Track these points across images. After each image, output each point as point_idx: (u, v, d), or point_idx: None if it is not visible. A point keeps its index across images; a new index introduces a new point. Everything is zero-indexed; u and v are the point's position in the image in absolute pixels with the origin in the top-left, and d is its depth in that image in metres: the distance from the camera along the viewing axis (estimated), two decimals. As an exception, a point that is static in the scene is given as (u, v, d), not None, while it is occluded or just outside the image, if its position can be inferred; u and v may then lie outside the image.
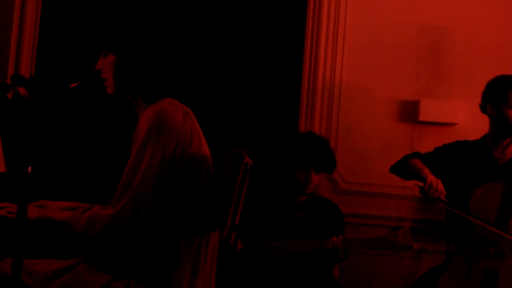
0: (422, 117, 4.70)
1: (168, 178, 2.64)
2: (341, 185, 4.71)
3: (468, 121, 4.58)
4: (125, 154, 2.74)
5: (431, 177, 3.95)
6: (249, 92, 4.85)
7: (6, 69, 4.62)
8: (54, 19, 4.78)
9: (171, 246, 2.66)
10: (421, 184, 3.97)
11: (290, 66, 4.85)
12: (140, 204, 2.59)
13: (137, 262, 2.65)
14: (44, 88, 2.46)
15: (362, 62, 4.77)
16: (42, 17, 4.74)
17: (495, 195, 3.94)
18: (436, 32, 4.79)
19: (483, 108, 4.18)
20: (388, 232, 3.94)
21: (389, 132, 4.62)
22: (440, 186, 3.94)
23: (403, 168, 4.21)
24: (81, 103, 4.68)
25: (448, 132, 4.62)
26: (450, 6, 4.80)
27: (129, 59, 2.78)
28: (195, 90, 4.69)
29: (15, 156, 3.35)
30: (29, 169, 2.39)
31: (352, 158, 4.68)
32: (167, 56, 2.84)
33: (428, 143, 4.37)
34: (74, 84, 2.79)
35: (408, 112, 4.75)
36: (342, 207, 4.30)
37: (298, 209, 4.20)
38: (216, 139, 4.08)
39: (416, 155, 4.24)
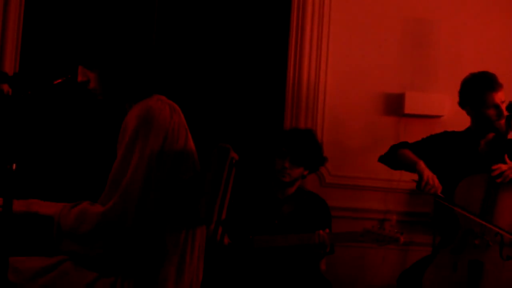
0: (407, 110, 4.72)
1: (156, 174, 2.64)
2: (328, 179, 4.72)
3: (454, 113, 4.59)
4: (112, 151, 2.73)
5: (427, 174, 3.97)
6: (235, 89, 4.84)
7: (-11, 66, 4.60)
8: (38, 15, 4.75)
9: (157, 241, 2.66)
10: (417, 179, 3.98)
11: (275, 62, 4.85)
12: (130, 201, 2.59)
13: (124, 258, 2.64)
14: (28, 84, 2.45)
15: (347, 56, 4.78)
16: (25, 13, 4.71)
17: (479, 187, 3.97)
18: (420, 25, 4.81)
19: (461, 106, 4.23)
20: (375, 225, 3.96)
21: (374, 125, 4.63)
22: (437, 181, 3.96)
23: (393, 158, 4.22)
24: (66, 99, 4.66)
25: (434, 125, 4.64)
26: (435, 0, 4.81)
27: (115, 71, 2.75)
28: (183, 88, 4.68)
29: (-1, 154, 3.34)
30: (14, 166, 2.38)
31: (337, 151, 4.69)
32: (152, 58, 2.83)
33: (414, 135, 4.38)
34: (58, 81, 2.77)
35: (393, 105, 4.77)
36: (328, 201, 4.31)
37: (284, 203, 4.21)
38: (203, 137, 4.08)
39: (405, 145, 4.26)
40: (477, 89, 4.13)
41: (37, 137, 4.63)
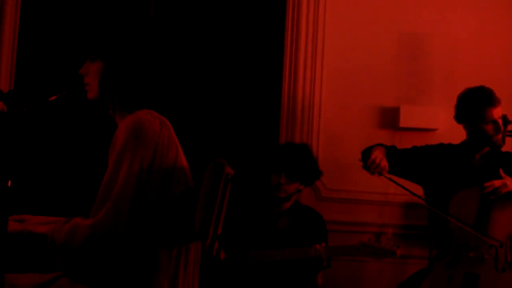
0: (403, 123, 4.73)
1: (146, 187, 2.64)
2: (323, 193, 4.72)
3: (448, 126, 4.60)
4: (105, 165, 2.74)
5: (376, 154, 4.00)
6: (229, 104, 4.86)
7: (-16, 84, 4.61)
8: (33, 32, 4.77)
9: (150, 255, 2.65)
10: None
11: (270, 76, 4.86)
12: (119, 214, 2.59)
13: (117, 272, 2.64)
14: (23, 101, 2.46)
15: (342, 70, 4.80)
16: (20, 30, 4.73)
17: (473, 201, 3.97)
18: (415, 39, 4.83)
19: (458, 121, 4.23)
20: (371, 239, 3.96)
21: (370, 138, 4.62)
22: (383, 162, 3.98)
23: (366, 153, 4.21)
24: (60, 115, 4.67)
25: (429, 138, 4.65)
26: (430, 13, 4.84)
27: (118, 67, 2.78)
28: (177, 102, 4.69)
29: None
30: (9, 183, 2.38)
31: (333, 165, 4.70)
32: (152, 66, 2.85)
33: (409, 149, 4.39)
34: (53, 97, 2.78)
35: (389, 118, 4.78)
36: (324, 215, 4.31)
37: (280, 217, 4.21)
38: (198, 152, 4.09)
39: (392, 148, 4.27)
40: (475, 104, 4.11)
41: (32, 153, 4.63)
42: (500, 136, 4.10)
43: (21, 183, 3.96)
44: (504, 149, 4.15)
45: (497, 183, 3.92)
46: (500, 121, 4.09)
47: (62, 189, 4.65)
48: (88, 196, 2.89)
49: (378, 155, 4.00)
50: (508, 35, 4.84)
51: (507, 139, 4.16)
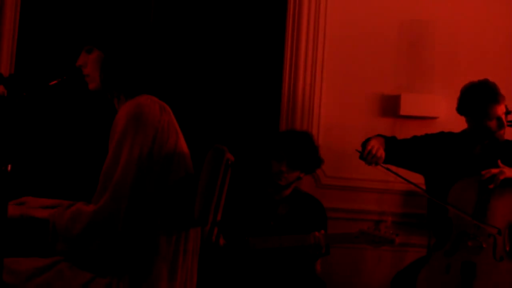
0: (403, 111, 4.73)
1: (146, 172, 2.65)
2: (323, 180, 4.73)
3: (449, 115, 4.60)
4: (105, 150, 2.74)
5: (372, 144, 4.00)
6: (230, 91, 4.85)
7: (-15, 68, 4.61)
8: (34, 16, 4.76)
9: (150, 241, 2.67)
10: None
11: (271, 63, 4.85)
12: (120, 200, 2.60)
13: (118, 258, 2.65)
14: (24, 86, 2.46)
15: (343, 57, 4.79)
16: (21, 14, 4.72)
17: (471, 190, 3.97)
18: (416, 27, 4.82)
19: (460, 114, 4.20)
20: (370, 227, 3.96)
21: (370, 126, 4.62)
22: (379, 152, 3.98)
23: (365, 144, 4.20)
24: (61, 100, 4.66)
25: (429, 126, 4.64)
26: (431, 1, 4.82)
27: (118, 55, 2.77)
28: (179, 90, 4.69)
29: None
30: (9, 167, 2.38)
31: (333, 153, 4.69)
32: (151, 53, 2.84)
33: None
34: (54, 82, 2.78)
35: (389, 106, 4.78)
36: (324, 202, 4.31)
37: (280, 204, 4.21)
38: (199, 138, 4.09)
39: (392, 138, 4.27)
40: (479, 101, 4.06)
41: (32, 138, 4.63)
42: (503, 131, 4.09)
43: (21, 168, 3.96)
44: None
45: (494, 170, 3.91)
46: (504, 117, 4.07)
47: (63, 174, 4.65)
48: (89, 181, 2.89)
49: (375, 145, 4.00)
50: (510, 22, 4.82)
51: (508, 128, 4.15)
